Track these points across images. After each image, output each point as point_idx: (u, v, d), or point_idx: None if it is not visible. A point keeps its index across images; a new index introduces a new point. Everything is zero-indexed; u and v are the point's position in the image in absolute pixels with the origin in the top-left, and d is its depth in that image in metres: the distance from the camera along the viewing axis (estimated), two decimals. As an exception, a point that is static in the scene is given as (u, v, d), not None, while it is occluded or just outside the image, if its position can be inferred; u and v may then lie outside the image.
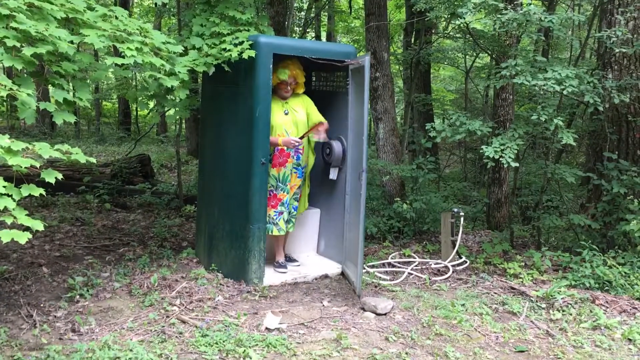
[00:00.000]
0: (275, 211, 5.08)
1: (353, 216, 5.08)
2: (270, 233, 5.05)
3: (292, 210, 5.25)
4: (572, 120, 8.70)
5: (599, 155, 6.17)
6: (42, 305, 4.28)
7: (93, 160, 3.58)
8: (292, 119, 5.10)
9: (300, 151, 5.16)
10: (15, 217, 3.12)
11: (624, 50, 5.60)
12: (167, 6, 10.43)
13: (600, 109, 5.53)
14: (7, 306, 4.23)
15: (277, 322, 4.04)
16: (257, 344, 3.73)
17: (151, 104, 5.37)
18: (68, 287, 4.62)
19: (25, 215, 3.16)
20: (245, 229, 4.82)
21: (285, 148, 5.04)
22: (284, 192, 5.10)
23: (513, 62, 5.43)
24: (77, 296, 4.44)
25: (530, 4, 6.23)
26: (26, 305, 4.26)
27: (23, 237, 3.07)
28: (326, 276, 5.24)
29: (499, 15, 5.55)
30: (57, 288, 4.65)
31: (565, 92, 5.11)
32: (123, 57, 3.92)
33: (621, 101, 5.49)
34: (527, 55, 5.78)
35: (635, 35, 5.84)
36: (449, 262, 5.72)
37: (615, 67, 6.01)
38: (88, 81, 4.18)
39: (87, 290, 4.51)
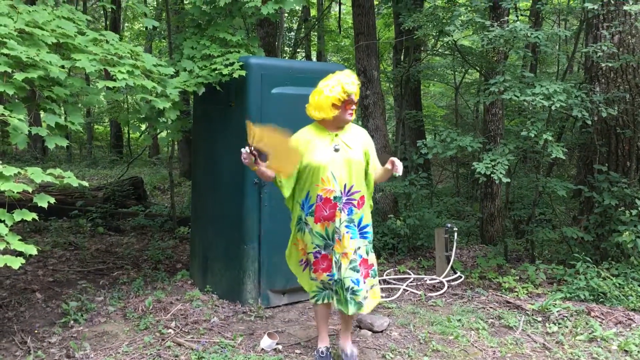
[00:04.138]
0: (328, 275, 3.63)
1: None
2: (324, 301, 3.73)
3: (352, 284, 3.58)
4: (562, 134, 8.77)
5: (590, 167, 6.22)
6: (36, 331, 4.24)
7: (85, 183, 3.58)
8: (345, 159, 3.58)
9: (355, 202, 3.61)
10: (8, 243, 3.11)
11: (610, 64, 5.67)
12: (158, 29, 10.50)
13: (589, 122, 5.59)
14: (0, 333, 4.19)
15: (274, 344, 4.02)
16: (253, 365, 3.70)
17: (143, 127, 5.38)
18: (62, 312, 4.58)
19: (18, 240, 3.15)
20: (239, 249, 4.81)
21: (315, 194, 3.59)
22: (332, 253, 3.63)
23: (501, 78, 5.49)
24: (71, 321, 4.40)
25: (516, 21, 6.32)
26: (20, 331, 4.22)
27: (16, 263, 3.06)
28: (321, 295, 5.21)
29: (486, 33, 5.62)
30: (51, 313, 4.61)
31: (553, 107, 5.16)
32: (114, 80, 3.94)
33: (609, 114, 5.55)
34: (515, 71, 5.85)
35: (620, 49, 5.92)
36: (444, 277, 5.72)
37: (603, 80, 6.09)
38: (80, 105, 4.20)
39: (81, 315, 4.48)
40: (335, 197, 3.56)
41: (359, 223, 3.63)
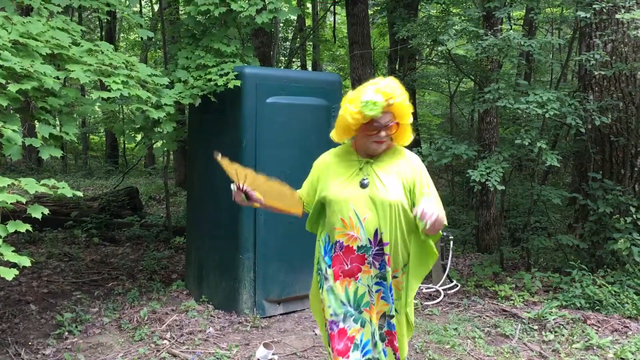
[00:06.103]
0: None
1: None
2: None
3: (382, 356, 2.63)
4: (556, 142, 8.81)
5: (584, 175, 6.24)
6: (30, 343, 4.22)
7: (79, 193, 3.57)
8: (372, 196, 2.54)
9: (387, 256, 2.58)
10: (1, 254, 3.09)
11: (603, 72, 5.70)
12: (153, 40, 10.52)
13: (583, 130, 5.61)
14: (-6, 345, 4.17)
15: (270, 354, 4.00)
16: (249, 376, 3.69)
17: (138, 137, 5.37)
18: (56, 323, 4.56)
19: (12, 251, 3.14)
20: (235, 259, 4.80)
21: (334, 240, 2.64)
22: (357, 323, 2.60)
23: (495, 86, 5.52)
24: (66, 333, 4.37)
25: (510, 30, 6.35)
26: (14, 343, 4.19)
27: (9, 274, 3.04)
28: (317, 304, 5.19)
29: (480, 41, 5.65)
30: (45, 325, 4.58)
31: (547, 115, 5.18)
32: (109, 90, 3.94)
33: (602, 122, 5.58)
34: (509, 79, 5.88)
35: (613, 57, 5.96)
36: (440, 286, 5.72)
37: (596, 88, 6.12)
38: (75, 116, 4.19)
39: (76, 327, 4.45)
40: (359, 247, 2.57)
41: (391, 288, 2.61)
